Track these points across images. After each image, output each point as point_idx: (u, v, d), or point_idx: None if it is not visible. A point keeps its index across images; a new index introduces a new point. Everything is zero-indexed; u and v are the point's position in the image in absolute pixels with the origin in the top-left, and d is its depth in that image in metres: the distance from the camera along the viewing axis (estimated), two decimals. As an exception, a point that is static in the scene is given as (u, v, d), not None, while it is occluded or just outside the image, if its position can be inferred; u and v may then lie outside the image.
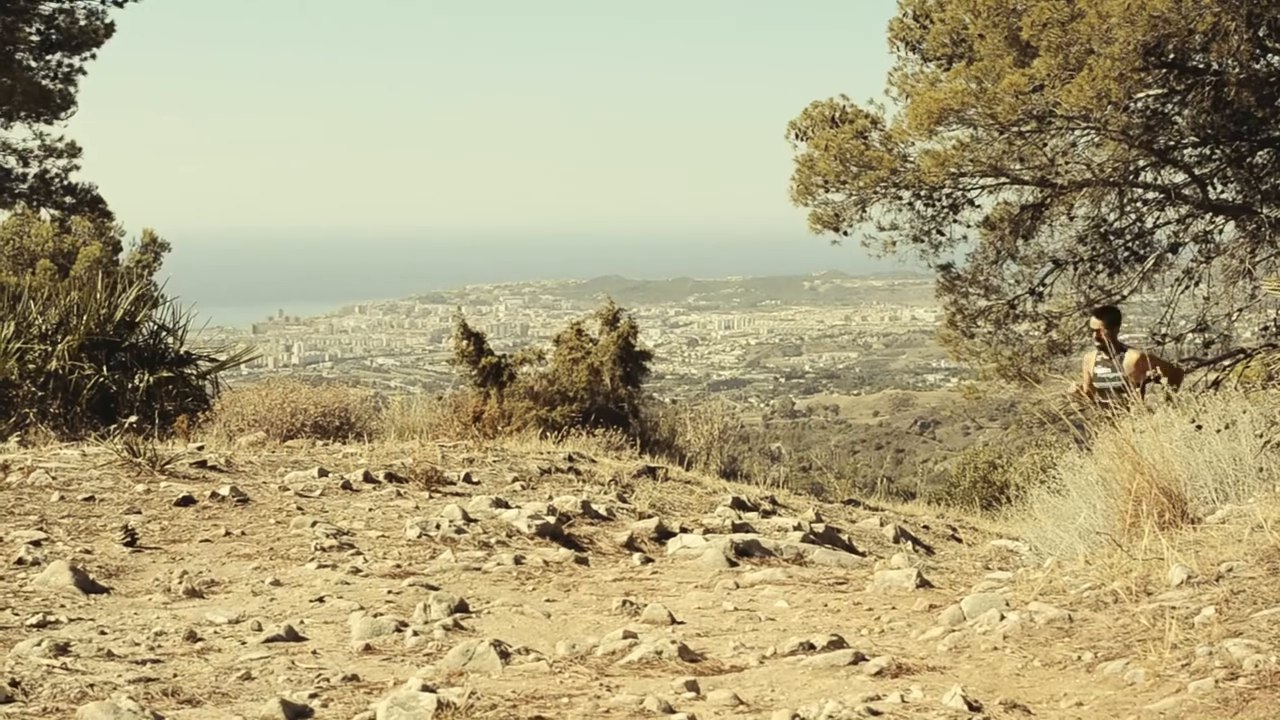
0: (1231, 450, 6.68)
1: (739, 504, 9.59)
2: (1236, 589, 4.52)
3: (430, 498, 8.51)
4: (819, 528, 8.74)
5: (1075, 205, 15.10)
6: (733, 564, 7.02)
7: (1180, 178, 14.15)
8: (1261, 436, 6.66)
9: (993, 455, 26.46)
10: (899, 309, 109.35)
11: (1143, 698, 3.79)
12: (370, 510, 7.92)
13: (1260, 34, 11.87)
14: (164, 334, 13.79)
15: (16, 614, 5.17)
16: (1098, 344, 9.99)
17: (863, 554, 8.31)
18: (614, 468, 10.83)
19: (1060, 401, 10.45)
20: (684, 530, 8.02)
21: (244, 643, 4.92)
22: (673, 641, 4.79)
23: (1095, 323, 10.06)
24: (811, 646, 4.76)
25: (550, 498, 8.66)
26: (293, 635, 5.03)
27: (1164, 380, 9.60)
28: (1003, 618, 4.79)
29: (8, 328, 12.52)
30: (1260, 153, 13.44)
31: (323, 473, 8.89)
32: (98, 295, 13.35)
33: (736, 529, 8.22)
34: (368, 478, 8.90)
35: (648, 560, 7.19)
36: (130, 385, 12.64)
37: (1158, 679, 3.88)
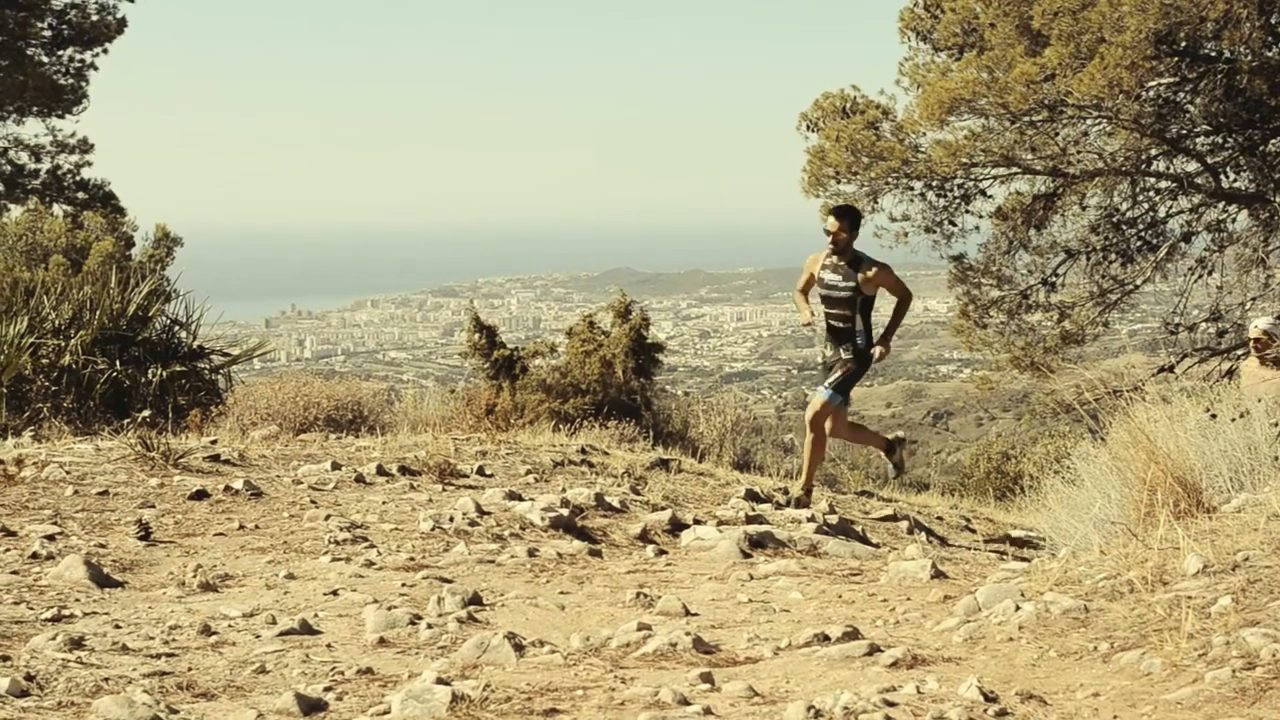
0: (1246, 439, 6.66)
1: (752, 495, 9.57)
2: (1253, 578, 4.51)
3: (443, 491, 8.51)
4: (832, 519, 8.73)
5: (1087, 195, 15.08)
6: (746, 556, 7.01)
7: (1193, 166, 14.12)
8: (1276, 425, 6.64)
9: (1006, 446, 26.41)
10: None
11: (1159, 688, 3.77)
12: (384, 503, 7.92)
13: (1272, 21, 11.83)
14: (177, 328, 13.84)
15: (31, 608, 5.18)
16: (832, 245, 9.27)
17: (877, 545, 8.29)
18: (627, 460, 10.82)
19: (1073, 392, 10.37)
20: (697, 522, 8.01)
21: (258, 636, 4.92)
22: (687, 633, 4.78)
23: (833, 223, 9.22)
24: (826, 638, 4.75)
25: (563, 490, 8.65)
26: (307, 628, 5.03)
27: (895, 299, 9.29)
28: (1018, 608, 4.78)
29: (21, 323, 12.56)
30: (1273, 141, 13.40)
31: (336, 466, 8.90)
32: (110, 290, 13.40)
33: (750, 521, 8.21)
34: (381, 471, 8.91)
35: (661, 552, 7.18)
36: (143, 380, 12.68)
37: (1174, 669, 3.86)
